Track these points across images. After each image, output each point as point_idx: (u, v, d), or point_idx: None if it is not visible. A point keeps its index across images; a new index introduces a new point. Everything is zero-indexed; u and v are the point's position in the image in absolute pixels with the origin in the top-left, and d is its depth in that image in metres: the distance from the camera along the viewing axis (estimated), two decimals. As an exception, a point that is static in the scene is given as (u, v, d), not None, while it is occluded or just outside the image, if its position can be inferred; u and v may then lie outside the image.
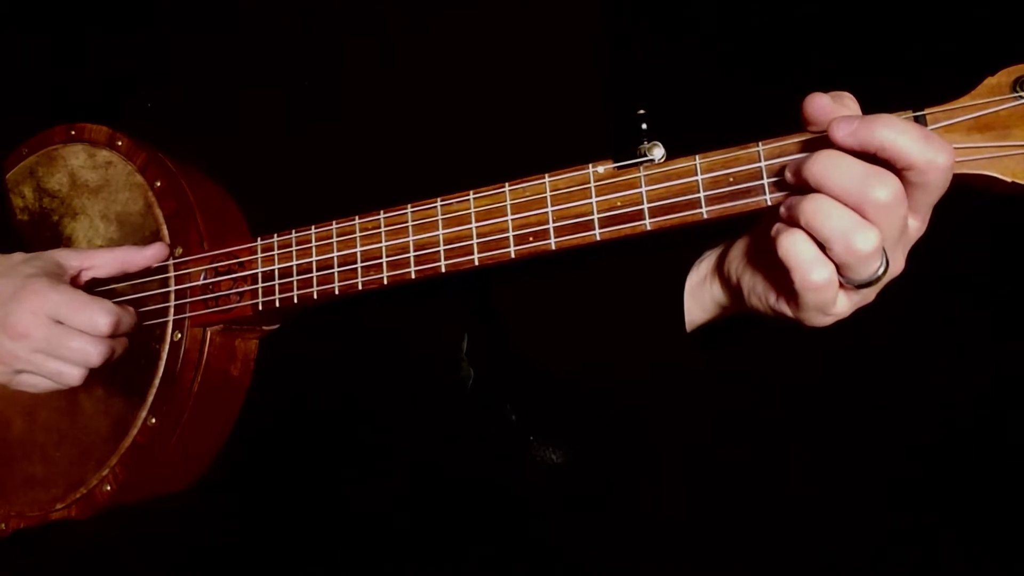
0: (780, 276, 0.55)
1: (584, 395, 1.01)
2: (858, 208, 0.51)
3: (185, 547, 0.81)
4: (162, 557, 0.80)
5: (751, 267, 0.63)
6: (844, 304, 0.56)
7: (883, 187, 0.50)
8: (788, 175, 0.55)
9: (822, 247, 0.52)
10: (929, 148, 0.49)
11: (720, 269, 0.67)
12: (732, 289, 0.66)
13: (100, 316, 0.70)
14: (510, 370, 0.94)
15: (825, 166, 0.51)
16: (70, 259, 0.76)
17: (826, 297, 0.54)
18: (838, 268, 0.53)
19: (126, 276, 0.78)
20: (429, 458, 0.89)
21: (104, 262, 0.76)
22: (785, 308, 0.59)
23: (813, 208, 0.52)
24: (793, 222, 0.53)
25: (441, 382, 0.93)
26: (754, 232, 0.63)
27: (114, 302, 0.73)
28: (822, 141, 0.55)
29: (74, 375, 0.72)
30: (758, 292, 0.62)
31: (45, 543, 0.79)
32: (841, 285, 0.54)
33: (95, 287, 0.78)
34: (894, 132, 0.50)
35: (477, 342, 0.94)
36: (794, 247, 0.53)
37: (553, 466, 0.98)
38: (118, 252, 0.76)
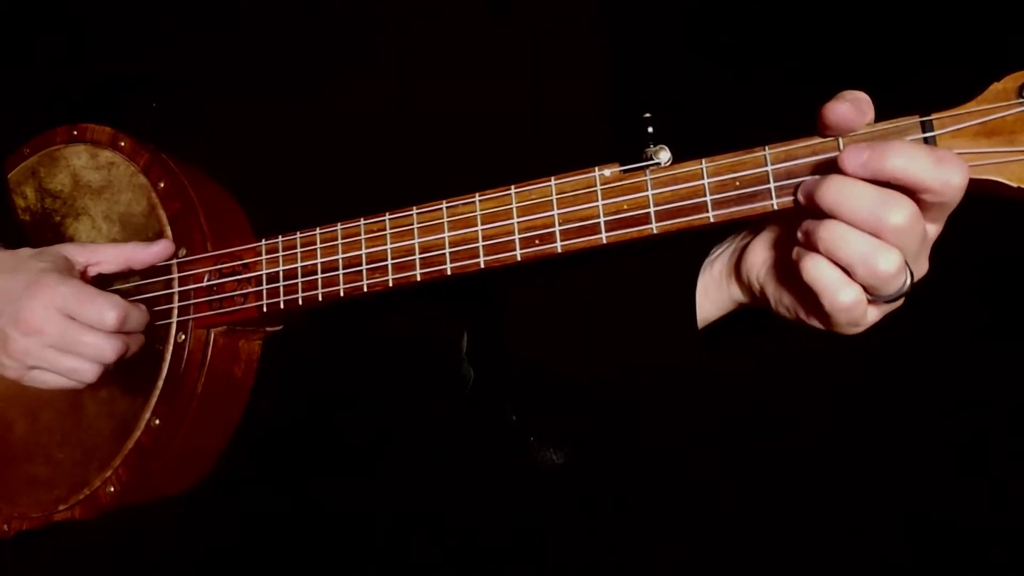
0: (808, 296, 0.56)
1: (584, 395, 1.01)
2: (876, 233, 0.51)
3: (187, 548, 0.81)
4: (165, 558, 0.80)
5: (776, 281, 0.63)
6: (874, 314, 0.56)
7: (899, 212, 0.50)
8: (800, 198, 0.55)
9: (846, 270, 0.53)
10: (943, 170, 0.49)
11: (738, 273, 0.67)
12: (754, 295, 0.66)
13: (108, 310, 0.70)
14: (510, 370, 0.94)
15: (838, 194, 0.52)
16: (76, 254, 0.75)
17: (856, 314, 0.55)
18: (864, 288, 0.53)
19: (131, 275, 0.78)
20: (429, 458, 0.89)
21: (109, 257, 0.76)
22: (816, 323, 0.60)
23: (830, 235, 0.52)
24: (812, 247, 0.54)
25: (441, 382, 0.93)
26: (774, 242, 0.63)
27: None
28: (829, 144, 0.56)
29: (89, 371, 0.71)
30: (786, 304, 0.62)
31: (48, 544, 0.78)
32: (869, 300, 0.55)
33: (101, 285, 0.78)
34: (906, 159, 0.50)
35: (477, 342, 0.94)
36: (819, 272, 0.53)
37: (553, 466, 0.98)
38: (124, 248, 0.76)
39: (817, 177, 0.54)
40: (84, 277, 0.76)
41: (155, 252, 0.76)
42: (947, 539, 1.05)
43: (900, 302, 0.57)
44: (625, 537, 1.01)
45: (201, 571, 0.80)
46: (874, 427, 1.10)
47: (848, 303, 0.53)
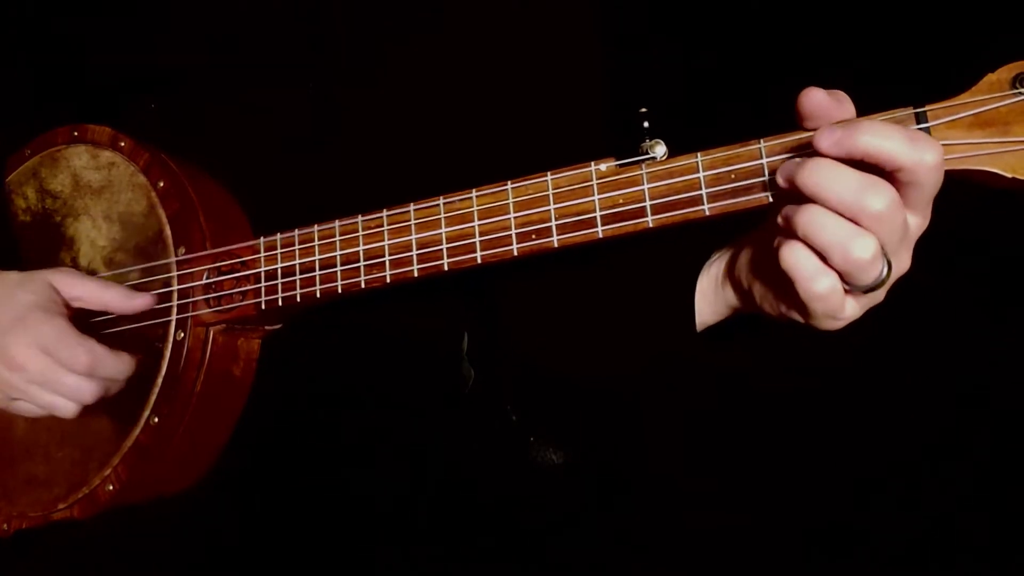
0: (787, 286, 0.56)
1: (584, 395, 1.01)
2: (854, 218, 0.51)
3: (186, 547, 0.81)
4: (164, 557, 0.80)
5: (762, 276, 0.63)
6: (853, 308, 0.56)
7: (878, 197, 0.50)
8: (780, 180, 0.54)
9: (822, 256, 0.52)
10: (915, 148, 0.49)
11: (731, 274, 0.68)
12: (744, 294, 0.66)
13: (81, 355, 0.70)
14: (510, 370, 0.94)
15: (819, 177, 0.51)
16: (62, 285, 0.75)
17: (832, 305, 0.54)
18: (840, 275, 0.53)
19: (130, 274, 0.79)
20: (429, 458, 0.89)
21: (90, 295, 0.76)
22: (796, 316, 0.59)
23: (808, 219, 0.52)
24: (791, 232, 0.53)
25: (441, 382, 0.93)
26: (761, 238, 0.63)
27: (108, 343, 0.73)
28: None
29: (67, 409, 0.72)
30: (770, 300, 0.62)
31: (47, 543, 0.79)
32: (847, 290, 0.54)
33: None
34: (878, 138, 0.50)
35: (477, 342, 0.94)
36: (795, 259, 0.53)
37: (553, 466, 0.98)
38: (108, 291, 0.76)
39: (798, 160, 0.54)
40: (68, 310, 0.75)
41: (136, 304, 0.76)
42: (944, 538, 1.04)
43: (880, 297, 0.56)
44: (625, 537, 1.01)
45: (201, 570, 0.80)
46: (873, 426, 1.10)
47: (823, 291, 0.53)
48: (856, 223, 0.51)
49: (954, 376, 1.06)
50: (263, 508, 0.84)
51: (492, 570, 0.89)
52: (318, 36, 0.83)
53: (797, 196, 0.53)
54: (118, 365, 0.73)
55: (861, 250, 0.50)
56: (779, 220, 0.55)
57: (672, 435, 1.10)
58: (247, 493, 0.84)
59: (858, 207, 0.50)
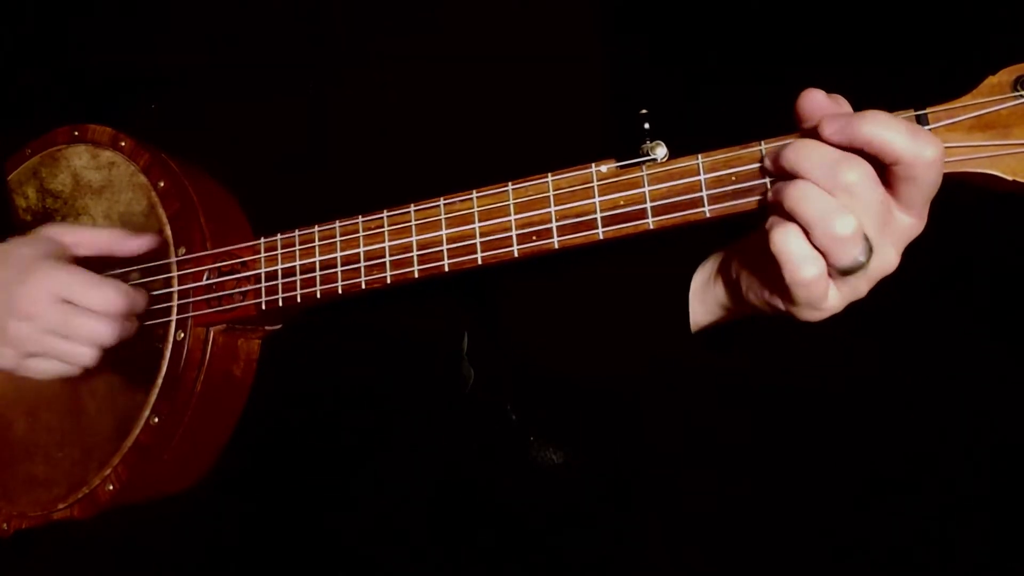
0: (772, 271, 0.56)
1: (584, 395, 1.01)
2: (829, 190, 0.52)
3: (187, 547, 0.81)
4: (163, 557, 0.80)
5: (748, 263, 0.63)
6: (835, 298, 0.56)
7: (851, 170, 0.51)
8: (767, 162, 0.56)
9: (808, 235, 0.53)
10: (915, 142, 0.50)
11: (722, 270, 0.68)
12: (733, 286, 0.66)
13: (114, 294, 0.71)
14: (510, 370, 0.95)
15: (799, 154, 0.53)
16: (60, 234, 0.75)
17: (816, 292, 0.54)
18: (822, 254, 0.53)
19: (131, 273, 0.79)
20: (429, 458, 0.89)
21: (88, 239, 0.76)
22: (778, 303, 0.60)
23: (795, 193, 0.53)
24: (779, 207, 0.54)
25: (441, 382, 0.93)
26: (754, 238, 0.64)
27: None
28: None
29: (86, 355, 0.71)
30: (755, 288, 0.62)
31: (47, 543, 0.79)
32: (830, 274, 0.54)
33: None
34: (880, 127, 0.51)
35: (477, 342, 0.94)
36: (786, 243, 0.53)
37: (553, 466, 0.99)
38: (105, 233, 0.76)
39: (786, 142, 0.55)
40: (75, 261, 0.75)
41: (132, 246, 0.76)
42: (943, 538, 1.05)
43: (863, 291, 0.56)
44: (624, 536, 1.01)
45: (201, 570, 0.81)
46: (873, 427, 1.10)
47: (809, 278, 0.53)
48: (831, 195, 0.52)
49: (953, 378, 1.06)
50: (263, 508, 0.84)
51: (492, 570, 0.89)
52: (318, 36, 0.83)
53: (780, 177, 0.55)
54: (144, 300, 0.74)
55: (842, 226, 0.51)
56: (768, 195, 0.56)
57: (672, 435, 1.10)
58: (247, 493, 0.84)
59: (832, 179, 0.51)
